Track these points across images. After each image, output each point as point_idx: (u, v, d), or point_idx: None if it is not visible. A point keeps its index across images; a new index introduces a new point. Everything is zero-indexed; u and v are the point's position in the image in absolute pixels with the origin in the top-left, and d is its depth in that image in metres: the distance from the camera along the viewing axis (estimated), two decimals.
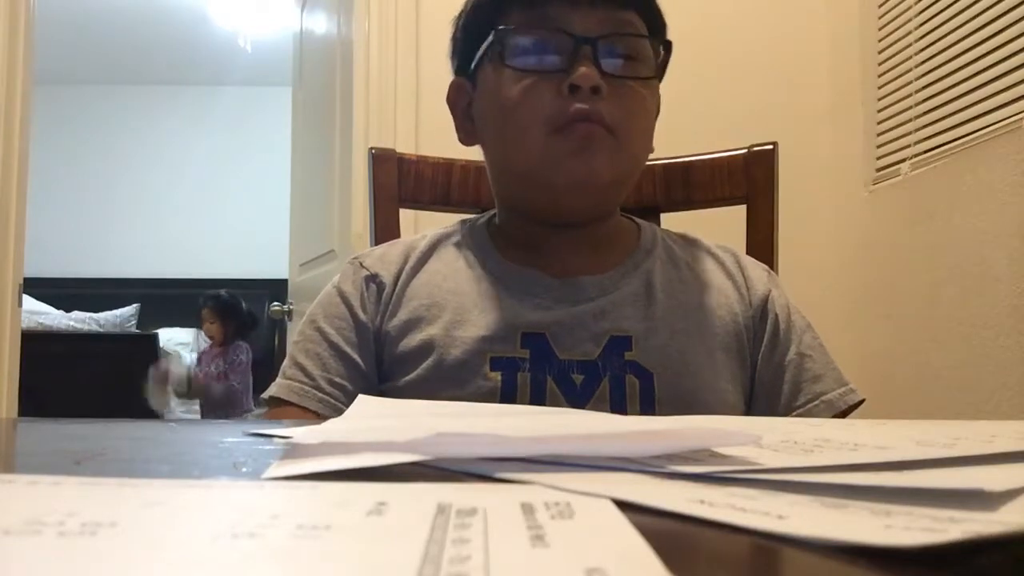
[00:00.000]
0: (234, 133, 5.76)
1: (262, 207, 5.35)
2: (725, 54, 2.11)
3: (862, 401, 0.80)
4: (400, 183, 1.04)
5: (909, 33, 1.78)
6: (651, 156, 1.04)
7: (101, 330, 4.94)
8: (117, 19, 4.93)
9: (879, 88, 1.90)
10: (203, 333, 4.16)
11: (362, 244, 1.77)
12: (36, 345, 2.72)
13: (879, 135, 1.89)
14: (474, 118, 0.83)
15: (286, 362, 0.81)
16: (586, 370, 0.75)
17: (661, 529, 0.24)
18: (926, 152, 1.71)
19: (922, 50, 1.74)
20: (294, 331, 0.86)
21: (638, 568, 0.19)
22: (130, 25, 4.99)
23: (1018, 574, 0.21)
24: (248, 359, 4.02)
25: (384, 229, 1.03)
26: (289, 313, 2.56)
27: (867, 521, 0.23)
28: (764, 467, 0.31)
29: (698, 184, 1.04)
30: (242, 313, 4.15)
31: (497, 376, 0.75)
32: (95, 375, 3.50)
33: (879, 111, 1.90)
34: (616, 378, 0.75)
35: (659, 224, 1.04)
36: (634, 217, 0.89)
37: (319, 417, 0.75)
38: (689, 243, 0.88)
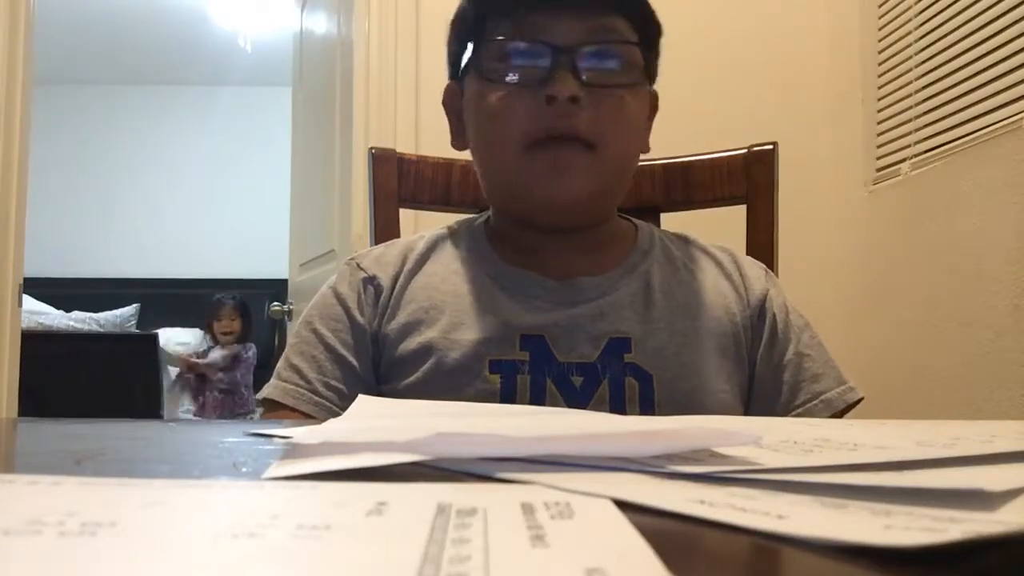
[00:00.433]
0: (234, 133, 5.76)
1: (262, 207, 5.34)
2: (725, 54, 2.10)
3: (861, 399, 0.80)
4: (400, 183, 1.04)
5: (909, 33, 1.78)
6: (651, 156, 1.04)
7: (101, 330, 4.94)
8: (117, 19, 4.93)
9: (879, 88, 1.90)
10: (217, 332, 4.13)
11: (362, 244, 1.77)
12: (36, 345, 2.72)
13: (879, 135, 1.89)
14: (464, 123, 0.83)
15: (281, 364, 0.80)
16: (585, 372, 0.75)
17: (661, 529, 0.24)
18: (926, 152, 1.71)
19: (922, 50, 1.73)
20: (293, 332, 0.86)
21: (638, 568, 0.19)
22: (130, 25, 4.99)
23: (1018, 574, 0.21)
24: (255, 358, 4.04)
25: (384, 229, 1.02)
26: (289, 313, 2.56)
27: (867, 521, 0.23)
28: (764, 467, 0.31)
29: (698, 184, 1.04)
30: (252, 315, 4.18)
31: (496, 379, 0.75)
32: (95, 375, 3.50)
33: (879, 111, 1.90)
34: (615, 380, 0.75)
35: (659, 224, 1.05)
36: (631, 218, 0.89)
37: (313, 420, 0.75)
38: (686, 243, 0.88)
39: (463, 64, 0.80)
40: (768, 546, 0.22)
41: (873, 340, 1.88)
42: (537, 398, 0.74)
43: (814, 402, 0.78)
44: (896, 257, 1.82)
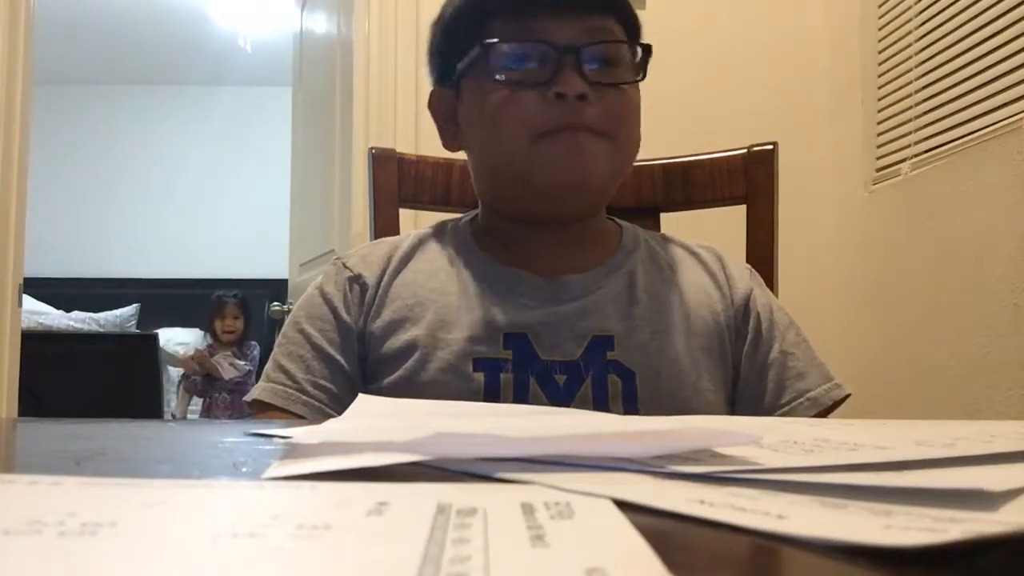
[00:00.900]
0: (234, 133, 5.76)
1: (262, 207, 5.34)
2: (725, 54, 2.10)
3: (847, 396, 0.80)
4: (400, 183, 1.04)
5: (909, 33, 1.78)
6: (651, 156, 1.04)
7: (101, 330, 4.94)
8: (117, 19, 4.93)
9: (879, 88, 1.90)
10: (219, 331, 4.11)
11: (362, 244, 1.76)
12: (36, 345, 2.72)
13: (879, 135, 1.89)
14: (460, 124, 0.84)
15: (269, 365, 0.81)
16: (568, 370, 0.76)
17: (661, 529, 0.24)
18: (926, 152, 1.71)
19: (922, 50, 1.74)
20: None
21: (638, 568, 0.19)
22: (130, 25, 4.99)
23: (1018, 574, 0.21)
24: (259, 355, 4.02)
25: (384, 229, 1.02)
26: (289, 313, 2.56)
27: (867, 521, 0.23)
28: (764, 467, 0.31)
29: (698, 184, 1.04)
30: (252, 313, 4.16)
31: (480, 377, 0.75)
32: (95, 375, 3.49)
33: (879, 111, 1.90)
34: (598, 378, 0.75)
35: (659, 224, 1.05)
36: (616, 219, 0.89)
37: (304, 420, 0.75)
38: (670, 243, 0.88)
39: (460, 67, 0.81)
40: (768, 546, 0.22)
41: (873, 340, 1.88)
42: (520, 396, 0.75)
43: (799, 400, 0.78)
44: (896, 257, 1.82)
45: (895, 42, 1.85)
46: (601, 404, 0.75)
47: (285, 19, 3.68)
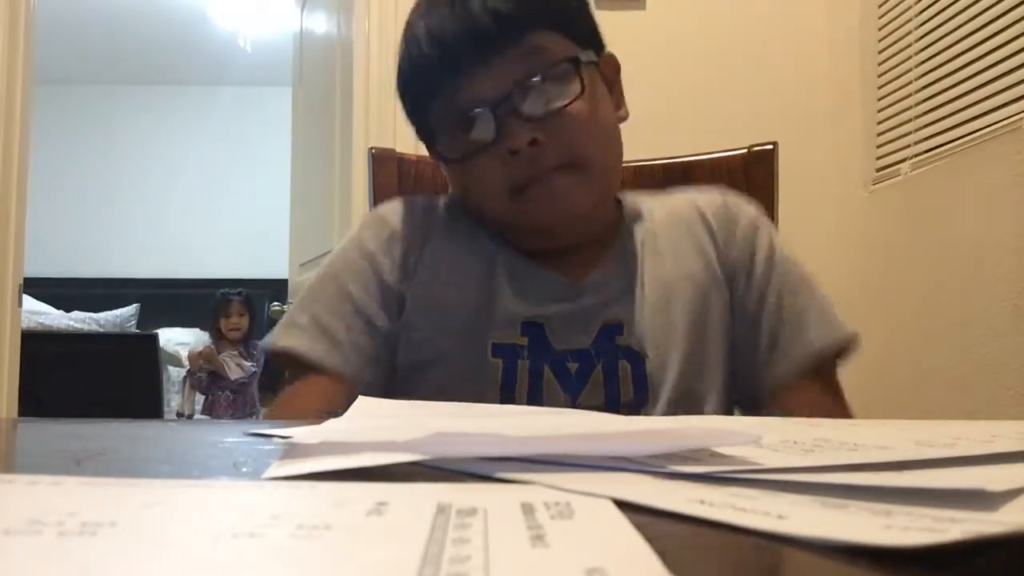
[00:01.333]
0: (234, 133, 5.76)
1: (262, 207, 5.35)
2: (725, 54, 2.11)
3: (854, 340, 0.78)
4: (400, 183, 1.04)
5: (909, 33, 1.79)
6: (651, 156, 1.04)
7: (101, 330, 4.94)
8: (117, 19, 4.93)
9: (879, 88, 1.90)
10: (224, 329, 4.09)
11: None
12: (36, 345, 2.72)
13: (879, 135, 1.90)
14: None
15: (300, 314, 0.78)
16: (580, 359, 0.76)
17: (661, 529, 0.24)
18: (926, 152, 1.71)
19: (922, 50, 1.74)
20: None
21: (638, 568, 0.19)
22: (130, 25, 4.99)
23: (1018, 574, 0.21)
24: (264, 356, 4.00)
25: None
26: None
27: (867, 521, 0.23)
28: (764, 467, 0.31)
29: (698, 184, 1.04)
30: (256, 311, 4.14)
31: (498, 363, 0.75)
32: (95, 375, 3.49)
33: (879, 111, 1.90)
34: (609, 364, 0.76)
35: None
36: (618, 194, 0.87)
37: (339, 383, 0.74)
38: (672, 204, 0.85)
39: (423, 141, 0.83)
40: (768, 546, 0.22)
41: (873, 340, 1.88)
42: (535, 383, 0.75)
43: (797, 352, 0.77)
44: (896, 257, 1.82)
45: (895, 42, 1.85)
46: (613, 389, 0.75)
47: (285, 19, 3.68)
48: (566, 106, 0.74)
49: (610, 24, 0.84)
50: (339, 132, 2.24)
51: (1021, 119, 1.44)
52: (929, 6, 1.72)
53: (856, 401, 0.81)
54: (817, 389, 0.78)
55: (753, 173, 1.02)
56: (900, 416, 1.66)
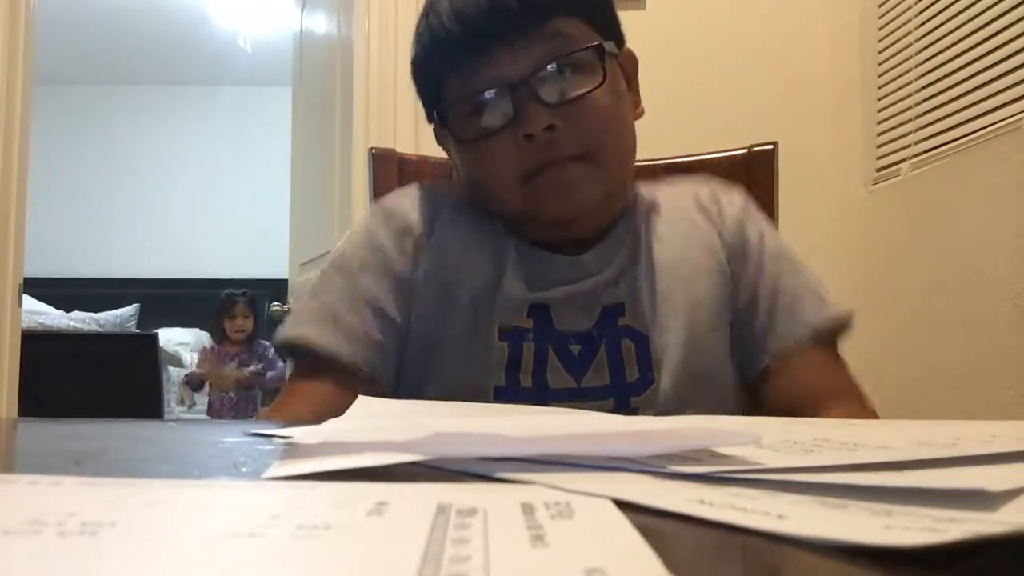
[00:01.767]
0: (234, 133, 5.76)
1: (262, 207, 5.35)
2: (725, 54, 2.11)
3: (850, 320, 0.78)
4: (400, 183, 1.04)
5: (909, 33, 1.78)
6: (652, 156, 1.04)
7: (101, 330, 4.94)
8: (117, 19, 4.93)
9: (879, 88, 1.90)
10: (229, 331, 4.07)
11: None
12: (36, 345, 2.72)
13: (879, 135, 1.90)
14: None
15: (313, 303, 0.78)
16: (582, 340, 0.76)
17: (661, 529, 0.24)
18: (926, 152, 1.71)
19: (922, 50, 1.74)
20: None
21: (638, 568, 0.19)
22: (130, 25, 4.99)
23: (1018, 574, 0.21)
24: (273, 355, 3.98)
25: None
26: (289, 313, 2.56)
27: (867, 521, 0.23)
28: (764, 467, 0.31)
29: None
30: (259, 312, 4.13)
31: (504, 345, 0.75)
32: (95, 375, 3.49)
33: (879, 111, 1.90)
34: (612, 344, 0.76)
35: None
36: None
37: (350, 376, 0.74)
38: (669, 190, 0.87)
39: (433, 123, 0.81)
40: (768, 546, 0.22)
41: (873, 340, 1.88)
42: (540, 365, 0.75)
43: (793, 326, 0.77)
44: (896, 257, 1.82)
45: (895, 42, 1.85)
46: (617, 369, 0.75)
47: (285, 19, 3.68)
48: (586, 94, 0.74)
49: None
50: (339, 132, 2.24)
51: (1021, 119, 1.44)
52: (929, 6, 1.72)
53: None
54: (819, 354, 0.78)
55: (753, 173, 1.02)
56: (900, 416, 1.66)
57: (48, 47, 3.44)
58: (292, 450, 0.37)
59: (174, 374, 4.64)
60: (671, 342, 0.76)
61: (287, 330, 0.78)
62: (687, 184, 0.88)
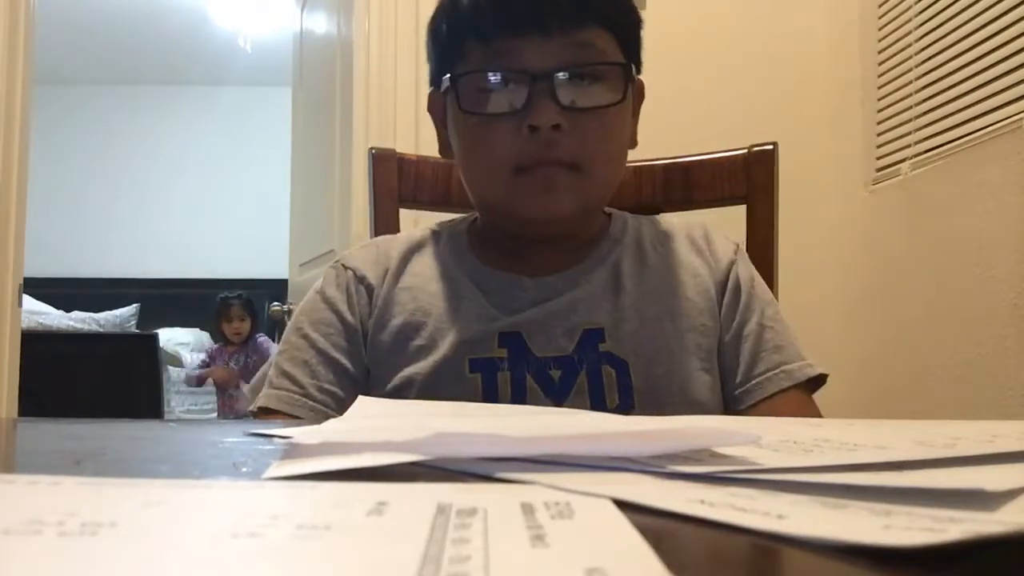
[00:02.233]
0: (234, 133, 5.77)
1: (262, 207, 5.35)
2: (725, 54, 2.10)
3: (825, 377, 0.79)
4: (400, 183, 1.04)
5: (909, 33, 1.78)
6: (651, 156, 1.04)
7: (101, 330, 4.95)
8: (117, 19, 4.94)
9: (879, 88, 1.90)
10: (228, 333, 4.10)
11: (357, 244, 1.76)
12: (36, 345, 2.72)
13: (879, 135, 1.89)
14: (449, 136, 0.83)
15: (272, 372, 0.80)
16: (563, 365, 0.76)
17: (661, 529, 0.24)
18: (926, 152, 1.71)
19: (922, 50, 1.73)
20: None
21: (638, 568, 0.19)
22: (130, 25, 4.99)
23: (1018, 574, 0.21)
24: (266, 346, 4.01)
25: (384, 229, 1.02)
26: (289, 313, 2.56)
27: (867, 521, 0.23)
28: (764, 467, 0.31)
29: (698, 184, 1.04)
30: (257, 312, 4.17)
31: (477, 377, 0.75)
32: (95, 375, 3.49)
33: (879, 111, 1.90)
34: (592, 370, 0.76)
35: None
36: (607, 208, 0.88)
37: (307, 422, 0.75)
38: (660, 225, 0.87)
39: (442, 87, 0.80)
40: (768, 546, 0.22)
41: (873, 340, 1.88)
42: (518, 393, 0.75)
43: (775, 371, 0.78)
44: (896, 257, 1.82)
45: (895, 42, 1.85)
46: (597, 395, 0.75)
47: (285, 19, 3.68)
48: (602, 108, 0.75)
49: None
50: (339, 132, 2.24)
51: (1021, 119, 1.44)
52: (929, 6, 1.72)
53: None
54: (800, 394, 0.78)
55: (753, 173, 1.02)
56: (900, 416, 1.67)
57: (48, 47, 3.44)
58: (292, 450, 0.37)
59: (174, 374, 4.65)
60: (654, 372, 0.76)
61: (256, 403, 0.80)
62: (681, 222, 0.89)
